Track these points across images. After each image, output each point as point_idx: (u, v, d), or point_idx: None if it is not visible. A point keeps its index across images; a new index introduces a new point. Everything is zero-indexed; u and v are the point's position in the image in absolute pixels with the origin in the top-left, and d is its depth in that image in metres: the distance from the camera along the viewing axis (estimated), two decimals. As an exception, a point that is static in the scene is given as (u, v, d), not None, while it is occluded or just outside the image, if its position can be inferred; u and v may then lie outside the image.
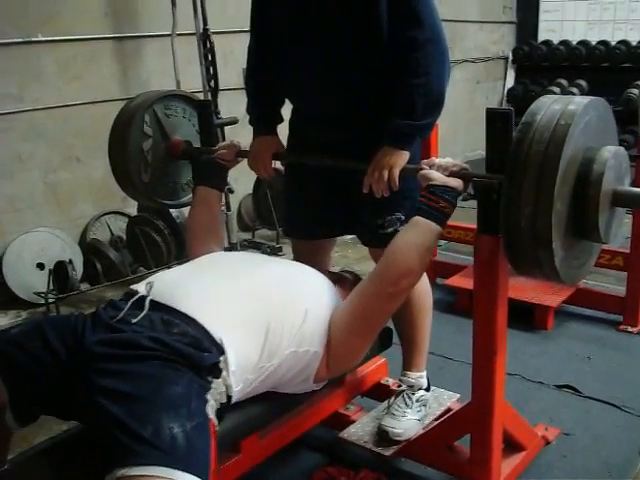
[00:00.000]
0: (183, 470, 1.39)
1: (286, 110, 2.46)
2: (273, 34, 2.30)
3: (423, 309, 2.44)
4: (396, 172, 2.13)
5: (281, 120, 2.47)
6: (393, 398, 2.47)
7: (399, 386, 2.50)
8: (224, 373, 1.68)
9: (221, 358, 1.68)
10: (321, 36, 2.16)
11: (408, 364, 2.49)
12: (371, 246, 2.41)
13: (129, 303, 1.76)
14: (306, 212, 2.46)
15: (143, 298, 1.77)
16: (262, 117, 2.46)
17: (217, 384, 1.66)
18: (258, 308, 1.82)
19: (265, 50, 2.36)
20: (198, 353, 1.63)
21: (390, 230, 2.27)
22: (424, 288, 2.42)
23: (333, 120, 2.28)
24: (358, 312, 1.93)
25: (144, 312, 1.71)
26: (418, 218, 1.91)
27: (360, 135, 2.25)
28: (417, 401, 2.44)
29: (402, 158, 2.14)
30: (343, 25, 2.12)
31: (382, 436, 2.38)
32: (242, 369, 1.74)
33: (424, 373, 2.50)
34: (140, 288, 1.83)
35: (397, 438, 2.36)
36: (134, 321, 1.68)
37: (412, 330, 2.45)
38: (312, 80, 2.25)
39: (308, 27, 2.17)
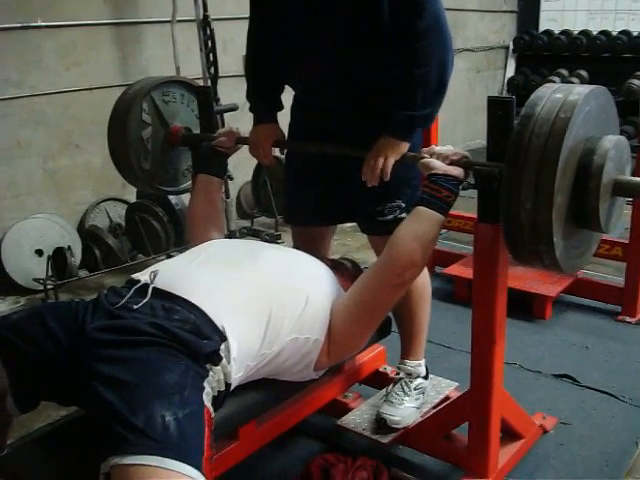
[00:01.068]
0: (175, 458, 1.39)
1: (288, 96, 2.45)
2: (273, 22, 2.28)
3: (422, 299, 2.44)
4: (390, 162, 2.12)
5: (281, 107, 2.45)
6: (391, 386, 2.48)
7: (397, 374, 2.51)
8: (224, 361, 1.68)
9: (222, 346, 1.68)
10: (322, 25, 2.13)
11: (407, 352, 2.50)
12: (370, 233, 2.41)
13: (131, 290, 1.76)
14: (306, 199, 2.46)
15: (146, 286, 1.77)
16: (262, 105, 2.44)
17: (215, 371, 1.66)
18: (260, 295, 1.82)
19: (264, 38, 2.35)
20: (198, 340, 1.63)
21: (390, 217, 2.27)
22: (423, 278, 2.41)
23: (334, 109, 2.28)
24: (362, 302, 1.93)
25: (146, 299, 1.71)
26: (421, 208, 1.90)
27: (361, 124, 2.23)
28: (415, 389, 2.45)
29: (400, 148, 2.13)
30: (345, 15, 2.09)
31: (380, 424, 2.39)
32: (243, 356, 1.74)
33: (422, 361, 2.51)
34: (143, 277, 1.83)
35: (395, 426, 2.37)
36: (135, 308, 1.68)
37: (411, 319, 2.46)
38: (313, 70, 2.24)
39: (309, 16, 2.14)
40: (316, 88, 2.29)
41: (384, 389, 2.53)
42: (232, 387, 1.74)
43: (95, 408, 1.52)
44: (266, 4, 2.30)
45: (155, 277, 1.80)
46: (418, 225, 1.89)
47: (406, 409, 2.41)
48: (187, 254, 2.07)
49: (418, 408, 2.45)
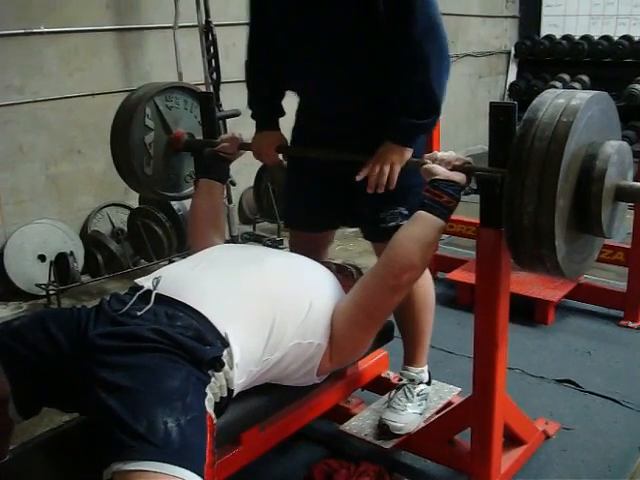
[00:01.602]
0: (177, 464, 1.39)
1: (290, 102, 2.45)
2: (271, 28, 2.27)
3: (426, 307, 2.43)
4: (396, 169, 2.12)
5: (282, 114, 2.45)
6: (394, 392, 2.48)
7: (400, 380, 2.50)
8: (226, 367, 1.68)
9: (225, 352, 1.68)
10: (317, 29, 2.13)
11: (410, 359, 2.49)
12: (372, 240, 2.41)
13: (135, 297, 1.76)
14: (307, 203, 2.45)
15: (149, 292, 1.77)
16: (263, 113, 2.44)
17: (218, 378, 1.66)
18: (263, 301, 1.82)
19: (263, 45, 2.34)
20: (200, 346, 1.63)
21: (392, 224, 2.25)
22: (427, 287, 2.41)
23: (333, 113, 2.27)
24: (360, 305, 1.93)
25: (149, 306, 1.71)
26: (421, 212, 1.90)
27: (360, 128, 2.23)
28: (418, 395, 2.44)
29: (404, 155, 2.14)
30: (341, 21, 2.08)
31: (383, 429, 2.38)
32: (246, 362, 1.74)
33: (425, 368, 2.50)
34: (146, 283, 1.83)
35: (398, 432, 2.36)
36: (138, 314, 1.68)
37: (414, 327, 2.45)
38: (312, 77, 2.24)
39: (307, 23, 2.13)
40: (314, 92, 2.29)
41: (386, 395, 2.52)
42: (235, 393, 1.74)
43: (97, 414, 1.52)
44: (263, 11, 2.29)
45: (158, 283, 1.80)
46: (418, 229, 1.90)
47: (409, 415, 2.40)
48: (190, 260, 2.07)
49: (421, 414, 2.44)
